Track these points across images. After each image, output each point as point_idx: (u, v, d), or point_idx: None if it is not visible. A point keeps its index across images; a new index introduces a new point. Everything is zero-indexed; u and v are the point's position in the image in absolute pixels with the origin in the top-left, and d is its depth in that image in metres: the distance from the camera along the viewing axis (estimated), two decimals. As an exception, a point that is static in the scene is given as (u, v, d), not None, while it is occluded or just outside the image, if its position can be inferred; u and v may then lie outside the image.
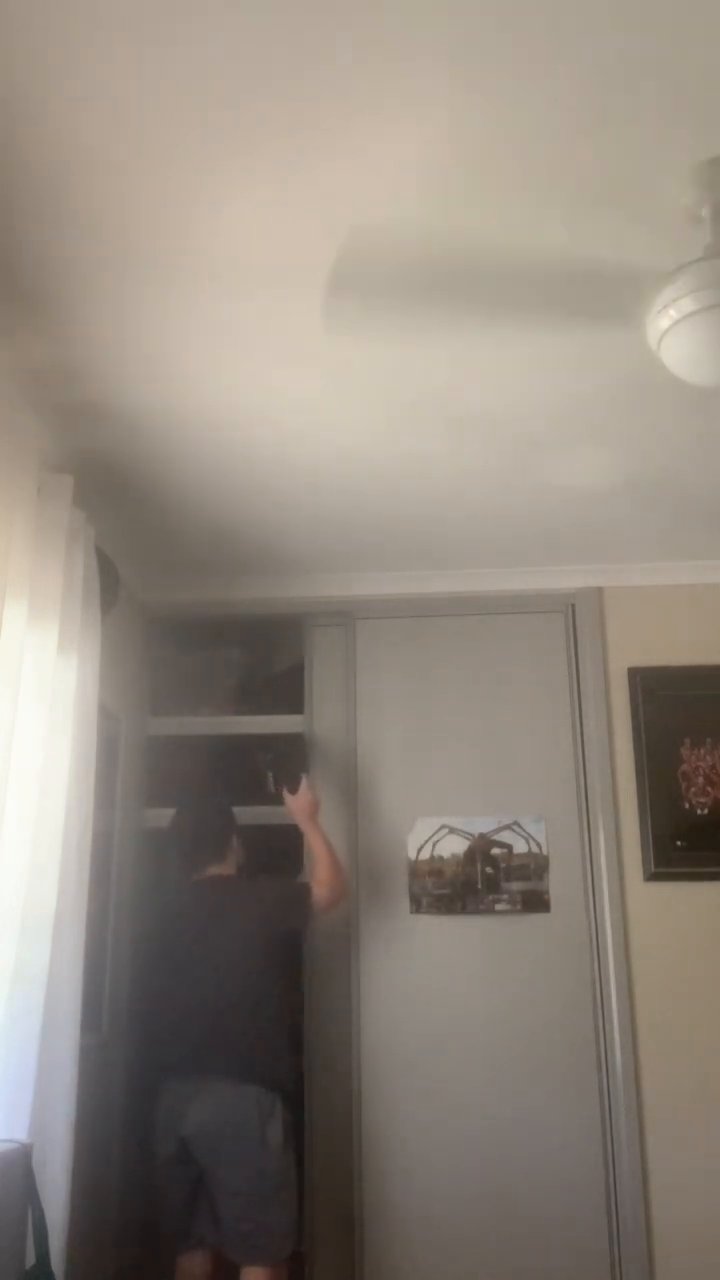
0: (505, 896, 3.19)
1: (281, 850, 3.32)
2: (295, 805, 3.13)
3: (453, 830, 3.24)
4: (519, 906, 3.18)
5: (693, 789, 3.23)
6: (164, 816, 3.39)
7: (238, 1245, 2.65)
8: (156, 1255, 2.85)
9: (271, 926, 2.88)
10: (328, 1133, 3.07)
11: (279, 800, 3.20)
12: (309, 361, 2.24)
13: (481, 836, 3.23)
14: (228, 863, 3.02)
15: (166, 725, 3.53)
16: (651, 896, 3.16)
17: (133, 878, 3.28)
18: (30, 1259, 1.96)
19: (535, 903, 3.18)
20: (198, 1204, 2.71)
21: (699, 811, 3.21)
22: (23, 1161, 1.97)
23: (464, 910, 3.19)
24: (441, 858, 3.23)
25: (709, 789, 3.23)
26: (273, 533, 3.13)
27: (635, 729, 3.28)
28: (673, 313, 1.77)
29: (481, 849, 3.22)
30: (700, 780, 3.23)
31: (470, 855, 3.22)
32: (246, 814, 3.20)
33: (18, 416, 2.34)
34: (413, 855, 3.24)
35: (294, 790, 3.15)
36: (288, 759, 3.43)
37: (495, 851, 3.22)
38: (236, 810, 3.15)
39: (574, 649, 3.38)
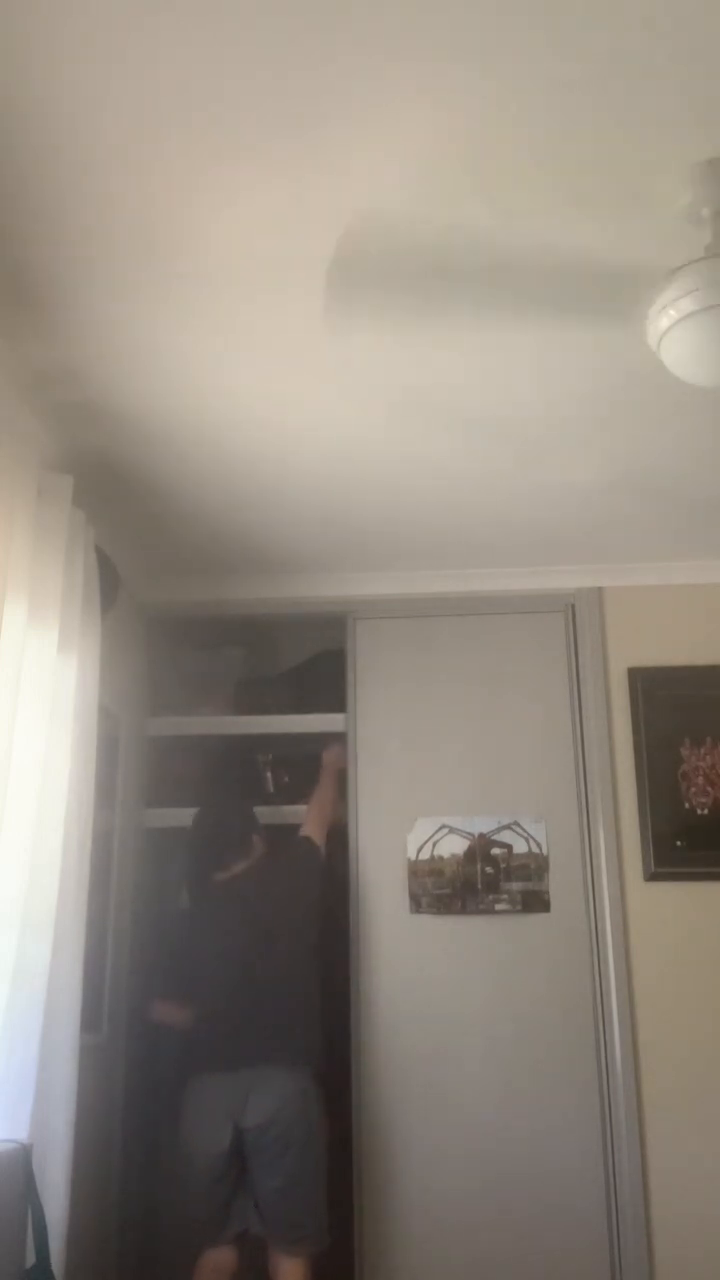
0: (505, 896, 3.18)
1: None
2: (330, 757, 3.34)
3: (453, 830, 3.24)
4: (519, 906, 3.18)
5: (693, 789, 3.23)
6: (164, 816, 3.41)
7: (290, 1235, 2.69)
8: (159, 1253, 2.85)
9: (302, 894, 3.03)
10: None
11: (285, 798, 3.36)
12: (309, 361, 2.24)
13: (481, 836, 3.23)
14: (251, 860, 3.12)
15: (166, 725, 3.53)
16: (651, 896, 3.15)
17: (133, 878, 3.28)
18: (30, 1259, 1.97)
19: (535, 903, 3.18)
20: (236, 1197, 2.73)
21: (699, 811, 3.21)
22: (23, 1161, 1.97)
23: (464, 910, 3.19)
24: (441, 858, 3.22)
25: (709, 789, 3.22)
26: (273, 533, 3.13)
27: (635, 729, 3.28)
28: (673, 313, 1.78)
29: (481, 849, 3.22)
30: (700, 780, 3.23)
31: (470, 855, 3.22)
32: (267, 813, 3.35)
33: (18, 416, 2.34)
34: (413, 855, 3.24)
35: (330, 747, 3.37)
36: (287, 759, 3.47)
37: (495, 851, 3.22)
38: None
39: (574, 649, 3.38)
